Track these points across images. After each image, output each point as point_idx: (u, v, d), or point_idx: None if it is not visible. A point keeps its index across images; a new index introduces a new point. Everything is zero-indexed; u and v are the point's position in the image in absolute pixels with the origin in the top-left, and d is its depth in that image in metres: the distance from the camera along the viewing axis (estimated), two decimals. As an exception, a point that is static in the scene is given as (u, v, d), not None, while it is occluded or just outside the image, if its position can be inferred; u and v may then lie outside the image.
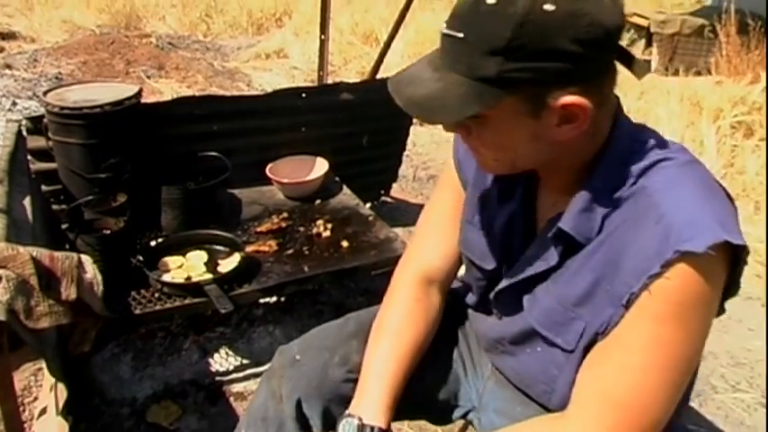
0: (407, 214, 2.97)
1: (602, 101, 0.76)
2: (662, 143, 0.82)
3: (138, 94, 1.87)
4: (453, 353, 1.13)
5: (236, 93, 4.64)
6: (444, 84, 0.74)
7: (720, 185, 0.80)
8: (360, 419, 0.94)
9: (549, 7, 0.67)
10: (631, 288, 0.75)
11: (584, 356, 0.84)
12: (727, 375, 2.06)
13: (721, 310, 0.81)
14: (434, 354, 1.09)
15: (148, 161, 1.89)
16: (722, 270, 0.75)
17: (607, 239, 0.79)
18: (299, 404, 1.03)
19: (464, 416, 1.13)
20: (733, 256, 0.75)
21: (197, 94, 4.45)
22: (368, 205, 2.18)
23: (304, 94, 2.27)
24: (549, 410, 0.96)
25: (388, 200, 2.96)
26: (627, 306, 0.76)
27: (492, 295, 0.99)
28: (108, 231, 1.67)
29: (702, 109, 4.07)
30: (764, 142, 3.77)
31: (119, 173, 1.81)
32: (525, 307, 0.91)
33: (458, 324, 1.15)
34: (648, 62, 6.19)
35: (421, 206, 2.79)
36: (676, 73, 5.56)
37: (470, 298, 1.09)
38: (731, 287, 0.78)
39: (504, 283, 0.95)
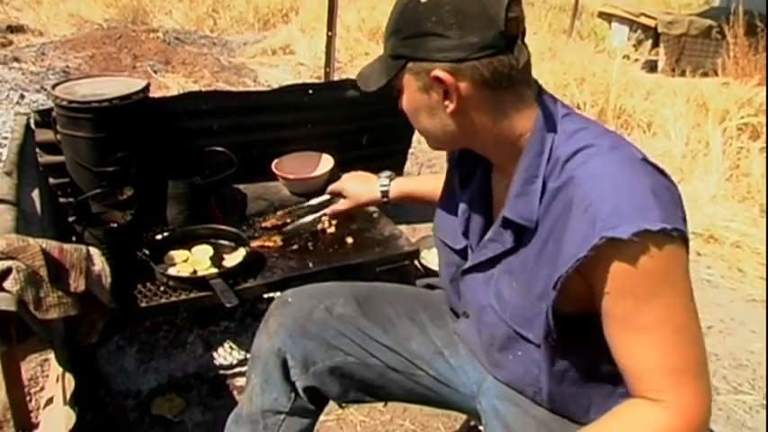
0: (412, 211, 2.97)
1: (486, 82, 0.86)
2: (586, 128, 0.90)
3: (146, 88, 1.89)
4: (445, 340, 1.17)
5: (242, 88, 4.65)
6: (375, 62, 0.97)
7: (650, 164, 0.87)
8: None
9: (423, 0, 0.86)
10: (560, 271, 0.84)
11: (550, 348, 0.93)
12: (729, 377, 2.06)
13: None
14: (423, 336, 1.16)
15: (155, 155, 1.90)
16: (668, 248, 0.81)
17: (552, 231, 0.87)
18: (284, 342, 1.14)
19: (465, 401, 1.16)
20: (670, 235, 0.81)
21: (203, 89, 4.47)
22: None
23: (311, 91, 2.28)
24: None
25: (393, 197, 2.96)
26: (555, 287, 0.86)
27: (461, 283, 1.08)
28: (115, 225, 1.68)
29: (709, 110, 4.06)
30: (769, 144, 3.77)
31: (126, 167, 1.82)
32: (498, 309, 0.98)
33: (452, 316, 1.20)
34: (655, 62, 6.18)
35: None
36: (683, 74, 5.55)
37: (453, 302, 1.17)
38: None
39: (469, 263, 1.04)
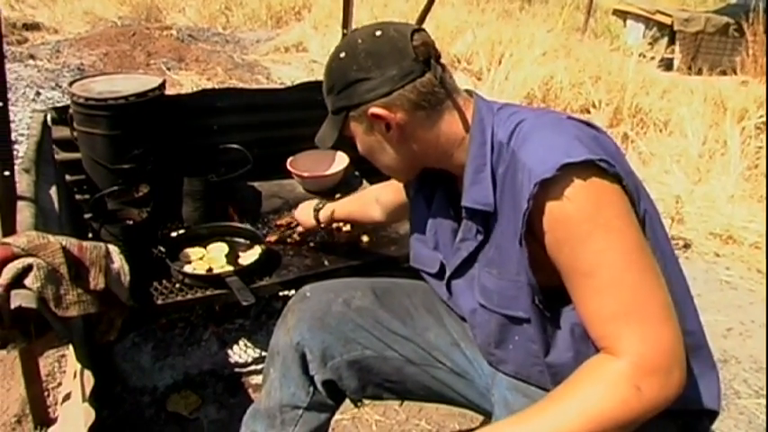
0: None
1: (416, 105, 0.96)
2: (518, 111, 0.98)
3: (162, 85, 1.89)
4: (460, 332, 1.17)
5: (255, 86, 4.66)
6: (325, 124, 1.06)
7: (577, 120, 0.93)
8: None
9: (342, 55, 0.99)
10: (518, 229, 0.88)
11: (540, 316, 0.94)
12: (750, 380, 2.03)
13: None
14: (440, 329, 1.17)
15: (171, 153, 1.90)
16: (594, 181, 0.83)
17: (512, 208, 0.90)
18: (303, 336, 1.14)
19: (481, 396, 1.15)
20: (598, 170, 0.84)
21: (217, 86, 4.48)
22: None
23: (326, 88, 2.27)
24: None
25: (407, 195, 2.95)
26: (520, 243, 0.89)
27: (446, 295, 1.12)
28: (131, 222, 1.69)
29: (727, 109, 4.01)
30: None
31: (142, 164, 1.83)
32: (485, 304, 1.00)
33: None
34: (671, 60, 6.11)
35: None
36: (699, 72, 5.48)
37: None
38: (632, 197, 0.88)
39: (448, 272, 1.08)
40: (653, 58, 6.04)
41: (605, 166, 0.83)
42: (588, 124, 0.94)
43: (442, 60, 1.00)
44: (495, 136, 0.95)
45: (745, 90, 4.31)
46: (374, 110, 0.96)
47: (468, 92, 1.03)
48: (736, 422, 1.83)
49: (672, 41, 6.14)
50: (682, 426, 0.97)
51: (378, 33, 0.97)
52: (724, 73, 5.22)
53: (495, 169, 0.94)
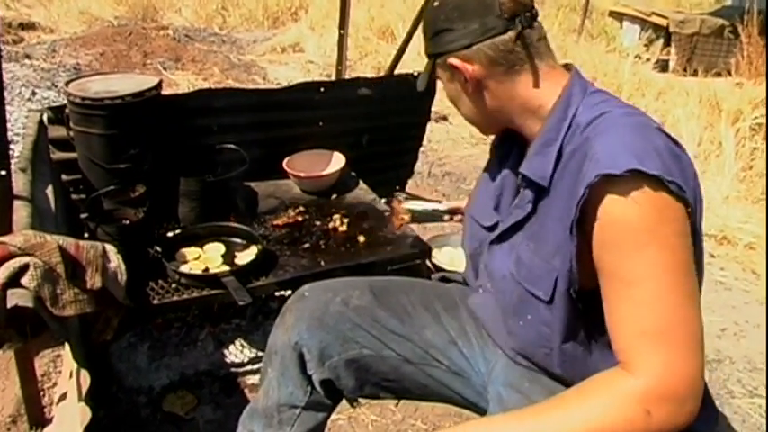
0: (422, 211, 2.96)
1: (493, 61, 0.97)
2: (608, 100, 0.96)
3: (159, 85, 1.88)
4: (457, 329, 1.19)
5: (252, 86, 4.65)
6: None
7: (665, 133, 0.90)
8: None
9: (435, 3, 1.02)
10: (571, 217, 0.87)
11: (565, 306, 0.94)
12: (744, 380, 2.04)
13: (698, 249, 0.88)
14: (438, 326, 1.18)
15: (167, 152, 1.90)
16: (658, 195, 0.81)
17: (566, 190, 0.90)
18: (301, 335, 1.14)
19: (477, 394, 1.16)
20: (665, 188, 0.81)
21: (214, 86, 4.47)
22: (383, 201, 2.17)
23: (322, 89, 2.27)
24: (553, 377, 1.02)
25: (403, 196, 2.96)
26: (571, 231, 0.88)
27: (485, 255, 1.10)
28: (127, 222, 1.68)
29: (722, 111, 4.03)
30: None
31: (138, 164, 1.82)
32: (515, 273, 1.00)
33: (465, 307, 1.21)
34: (667, 61, 6.13)
35: (436, 202, 2.76)
36: (695, 74, 5.50)
37: (470, 277, 1.20)
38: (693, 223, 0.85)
39: (496, 233, 1.06)
40: (648, 59, 6.06)
41: (674, 189, 0.81)
42: (675, 141, 0.90)
43: (539, 26, 0.98)
44: (576, 116, 0.94)
45: (739, 92, 4.33)
46: (453, 60, 0.99)
47: (567, 66, 1.02)
48: (730, 421, 1.84)
49: (667, 43, 6.16)
50: None
51: None
52: (719, 74, 5.24)
53: (563, 147, 0.93)
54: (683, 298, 0.82)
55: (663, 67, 6.10)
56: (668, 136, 0.90)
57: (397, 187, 2.85)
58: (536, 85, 0.98)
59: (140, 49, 5.27)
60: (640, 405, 0.78)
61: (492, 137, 1.21)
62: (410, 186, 2.96)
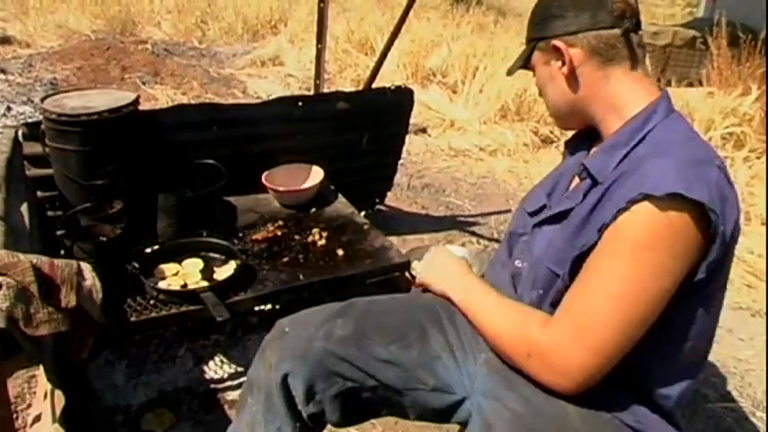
0: (402, 223, 2.99)
1: (594, 50, 1.04)
2: (685, 128, 1.02)
3: (136, 101, 1.88)
4: (442, 342, 1.19)
5: (231, 100, 4.65)
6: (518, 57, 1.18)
7: (719, 169, 0.94)
8: None
9: None
10: (605, 220, 0.93)
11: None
12: (718, 385, 2.08)
13: (705, 281, 0.92)
14: (422, 342, 1.17)
15: (145, 168, 1.90)
16: (685, 224, 0.88)
17: (612, 192, 0.96)
18: (286, 375, 1.12)
19: (458, 406, 1.17)
20: (703, 218, 0.87)
21: (192, 101, 4.47)
22: (362, 213, 2.19)
23: (300, 103, 2.29)
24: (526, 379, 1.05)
25: (383, 208, 2.97)
26: (599, 232, 0.94)
27: (528, 236, 1.17)
28: (104, 238, 1.67)
29: (694, 120, 4.12)
30: (754, 154, 3.82)
31: (115, 180, 1.82)
32: (543, 253, 1.08)
33: (447, 315, 1.22)
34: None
35: (415, 215, 2.82)
36: (669, 84, 5.62)
37: (501, 256, 1.27)
38: (709, 253, 0.90)
39: (543, 216, 1.13)
40: (623, 70, 6.17)
41: (713, 218, 0.87)
42: (728, 179, 0.95)
43: (641, 37, 1.07)
44: (652, 132, 1.00)
45: (711, 101, 4.44)
46: (557, 42, 1.06)
47: (659, 86, 1.09)
48: (704, 426, 1.87)
49: (641, 54, 6.30)
50: None
51: None
52: (691, 85, 5.36)
53: (628, 154, 0.99)
54: (620, 315, 0.91)
55: (637, 77, 6.23)
56: (725, 174, 0.94)
57: (377, 200, 2.87)
58: (627, 85, 1.04)
59: (119, 63, 5.24)
60: (527, 347, 0.99)
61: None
62: (389, 199, 2.98)
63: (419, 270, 1.34)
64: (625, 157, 0.99)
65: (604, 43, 1.03)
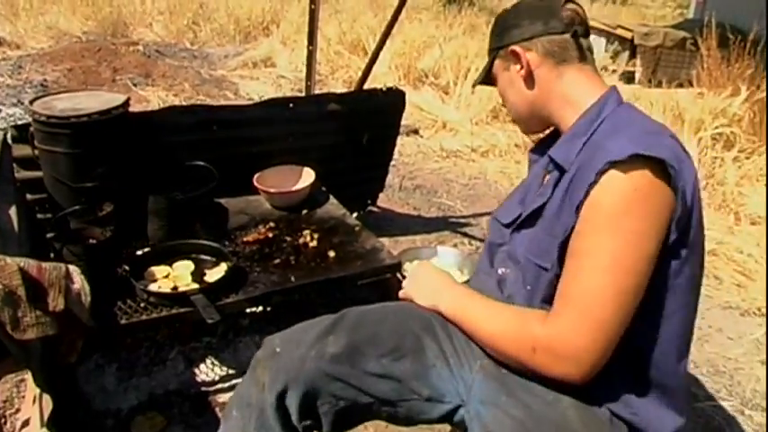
0: (394, 224, 2.99)
1: (548, 52, 1.14)
2: (637, 113, 1.10)
3: (126, 103, 1.88)
4: (436, 350, 1.18)
5: (223, 101, 4.64)
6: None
7: (674, 138, 1.03)
8: None
9: (509, 9, 1.21)
10: (579, 198, 0.98)
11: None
12: (708, 384, 2.09)
13: (678, 243, 0.98)
14: (416, 352, 1.16)
15: (135, 170, 1.89)
16: (649, 182, 0.94)
17: (579, 175, 1.02)
18: (281, 395, 1.10)
19: (453, 413, 1.16)
20: (665, 175, 0.94)
21: (184, 102, 4.45)
22: (354, 215, 2.19)
23: (292, 105, 2.29)
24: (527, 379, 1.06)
25: (375, 209, 2.98)
26: (577, 212, 0.99)
27: (507, 245, 1.21)
28: (94, 241, 1.67)
29: (684, 121, 4.15)
30: (743, 154, 3.85)
31: (105, 182, 1.81)
32: (527, 251, 1.12)
33: (440, 323, 1.20)
34: (633, 73, 6.30)
35: (407, 216, 2.82)
36: (659, 84, 5.65)
37: (483, 267, 1.30)
38: (675, 209, 0.95)
39: (520, 220, 1.17)
40: (615, 71, 6.22)
41: (672, 173, 0.93)
42: (684, 149, 1.02)
43: (589, 41, 1.17)
44: (606, 120, 1.07)
45: (701, 102, 4.46)
46: (515, 47, 1.16)
47: (612, 87, 1.16)
48: (693, 425, 1.89)
49: (633, 55, 6.34)
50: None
51: None
52: (681, 85, 5.40)
53: (588, 141, 1.06)
54: (611, 284, 0.94)
55: (629, 78, 6.26)
56: (678, 143, 1.03)
57: (369, 201, 2.88)
58: (579, 82, 1.14)
59: (110, 65, 5.21)
60: (531, 342, 1.00)
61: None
62: (381, 200, 2.98)
63: (404, 284, 1.32)
64: (585, 144, 1.06)
65: (557, 46, 1.13)
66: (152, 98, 4.58)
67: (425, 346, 1.17)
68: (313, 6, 2.54)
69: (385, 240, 2.08)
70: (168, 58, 5.88)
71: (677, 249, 0.98)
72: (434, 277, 1.26)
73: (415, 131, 4.46)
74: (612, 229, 0.95)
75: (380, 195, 2.92)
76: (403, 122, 2.69)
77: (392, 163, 2.85)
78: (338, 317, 1.20)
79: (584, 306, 0.96)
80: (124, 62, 5.28)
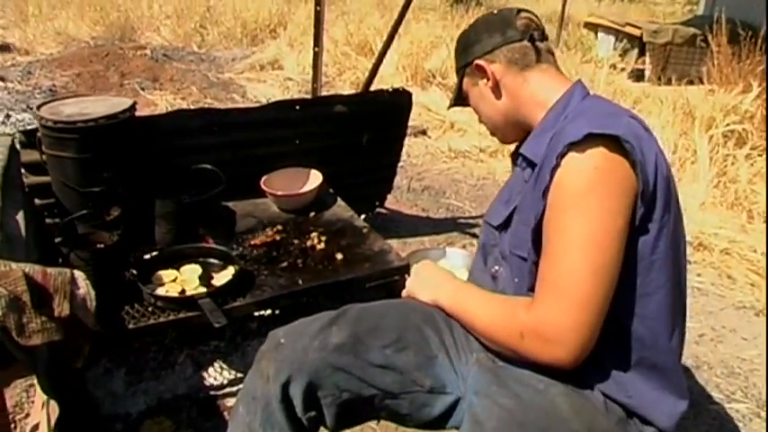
0: (402, 225, 2.98)
1: (511, 61, 1.19)
2: (602, 102, 1.14)
3: (133, 107, 1.88)
4: (437, 342, 1.20)
5: (230, 104, 4.65)
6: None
7: (634, 119, 1.06)
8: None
9: (468, 28, 1.27)
10: (545, 184, 1.02)
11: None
12: (722, 386, 2.06)
13: (646, 215, 0.99)
14: (418, 343, 1.18)
15: (142, 174, 1.89)
16: (606, 158, 0.96)
17: (543, 165, 1.05)
18: (285, 386, 1.11)
19: (454, 407, 1.17)
20: (622, 150, 0.96)
21: (191, 106, 4.47)
22: (362, 217, 2.17)
23: (298, 107, 2.28)
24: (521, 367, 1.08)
25: (383, 211, 2.96)
26: (544, 197, 1.02)
27: (500, 245, 1.22)
28: (102, 245, 1.66)
29: (695, 118, 4.10)
30: (756, 152, 3.80)
31: (113, 186, 1.81)
32: (509, 245, 1.16)
33: (442, 315, 1.23)
34: (642, 70, 6.25)
35: (415, 217, 2.81)
36: (669, 82, 5.61)
37: (478, 267, 1.33)
38: (637, 183, 0.97)
39: (505, 218, 1.20)
40: (623, 69, 6.18)
41: (628, 148, 0.95)
42: (645, 127, 1.06)
43: (548, 44, 1.22)
44: (572, 113, 1.10)
45: (712, 99, 4.41)
46: (478, 62, 1.21)
47: (578, 81, 1.20)
48: (708, 427, 1.85)
49: (642, 53, 6.29)
50: (624, 420, 1.05)
51: (495, 12, 1.26)
52: (691, 82, 5.34)
53: (554, 133, 1.07)
54: (585, 261, 0.96)
55: (638, 76, 6.21)
56: (639, 122, 1.05)
57: (377, 203, 2.86)
58: (544, 82, 1.18)
59: (117, 69, 5.25)
60: (519, 328, 1.01)
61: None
62: (389, 201, 2.97)
63: (407, 283, 1.34)
64: (552, 137, 1.07)
65: (518, 53, 1.19)
66: (160, 102, 4.60)
67: (427, 338, 1.20)
68: (318, 8, 2.54)
69: (393, 242, 2.07)
70: (176, 62, 5.91)
71: (645, 224, 1.00)
72: (435, 274, 1.30)
73: (423, 132, 4.44)
74: (579, 209, 0.97)
75: (388, 197, 2.90)
76: (411, 123, 2.68)
77: (400, 164, 2.83)
78: (341, 311, 1.23)
79: (562, 287, 0.97)
80: (132, 66, 5.31)
